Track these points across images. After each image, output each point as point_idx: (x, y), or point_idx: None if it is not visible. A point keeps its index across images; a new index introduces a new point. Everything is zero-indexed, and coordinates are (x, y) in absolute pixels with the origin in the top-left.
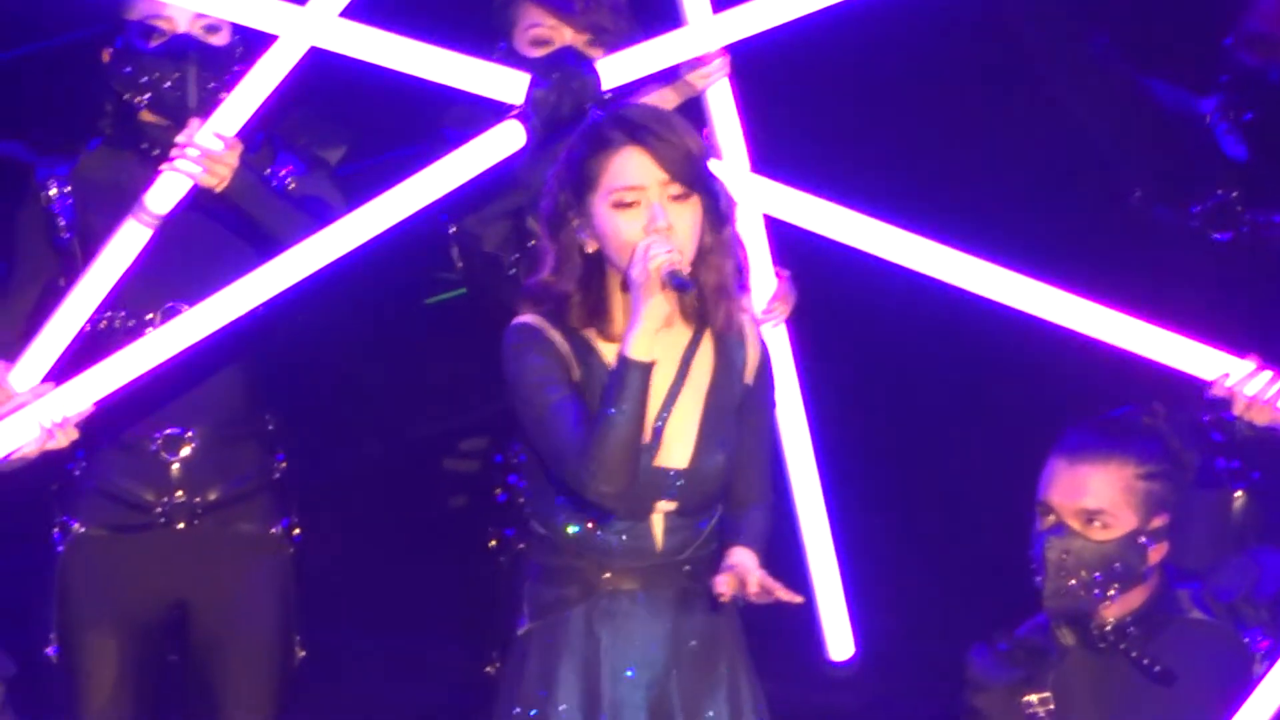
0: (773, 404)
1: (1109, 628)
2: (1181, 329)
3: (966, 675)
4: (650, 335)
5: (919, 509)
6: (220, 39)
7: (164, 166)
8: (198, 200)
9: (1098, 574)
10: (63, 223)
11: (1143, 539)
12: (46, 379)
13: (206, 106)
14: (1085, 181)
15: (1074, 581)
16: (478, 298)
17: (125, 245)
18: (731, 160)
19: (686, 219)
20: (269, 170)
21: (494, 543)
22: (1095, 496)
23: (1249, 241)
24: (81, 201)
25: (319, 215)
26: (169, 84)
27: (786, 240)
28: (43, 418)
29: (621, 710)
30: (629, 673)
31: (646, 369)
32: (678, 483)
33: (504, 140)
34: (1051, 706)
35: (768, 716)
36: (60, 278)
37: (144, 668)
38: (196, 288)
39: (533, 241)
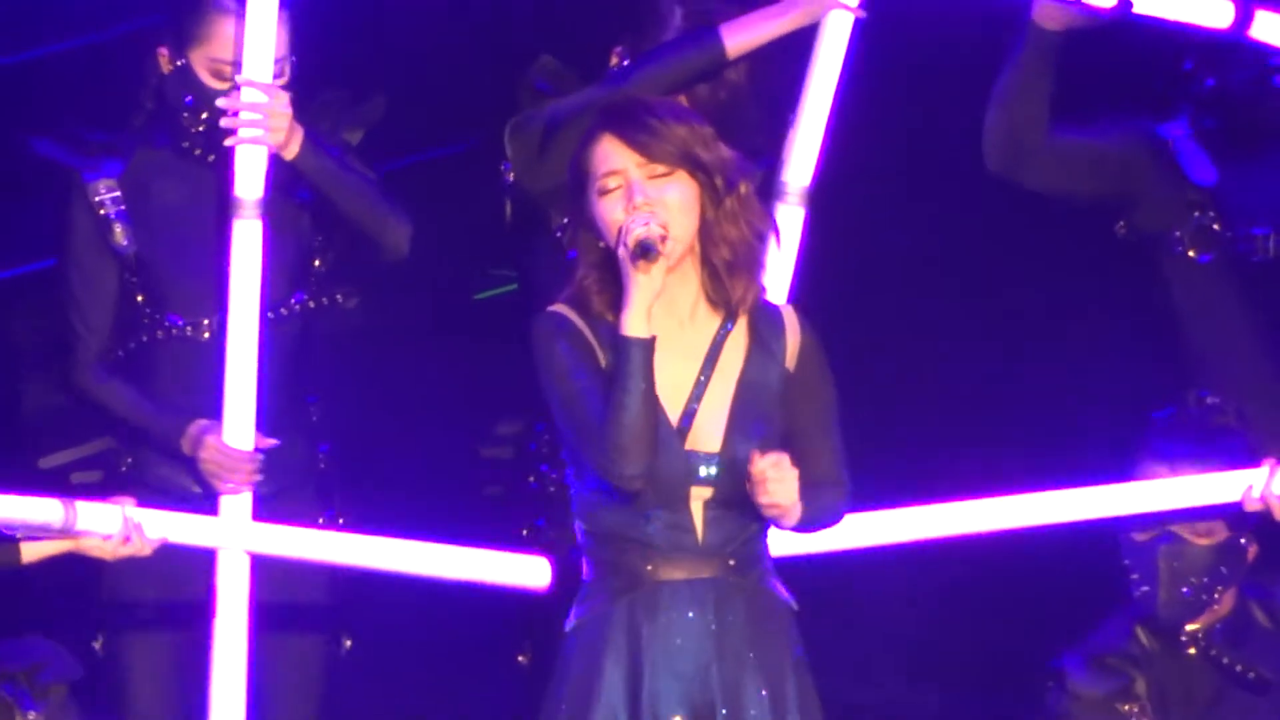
0: (830, 390)
1: (1200, 634)
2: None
3: (1065, 684)
4: (643, 311)
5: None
6: (281, 81)
7: (228, 142)
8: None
9: (1206, 579)
10: (120, 228)
11: (1242, 540)
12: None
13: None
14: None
15: (1186, 589)
16: (517, 257)
17: (247, 246)
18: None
19: (672, 194)
20: None
21: (526, 531)
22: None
23: (1231, 259)
24: (134, 205)
25: (389, 193)
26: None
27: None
28: (130, 525)
29: (663, 704)
30: (669, 665)
31: (647, 345)
32: (710, 467)
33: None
34: (1148, 718)
35: (818, 713)
36: (125, 284)
37: (189, 663)
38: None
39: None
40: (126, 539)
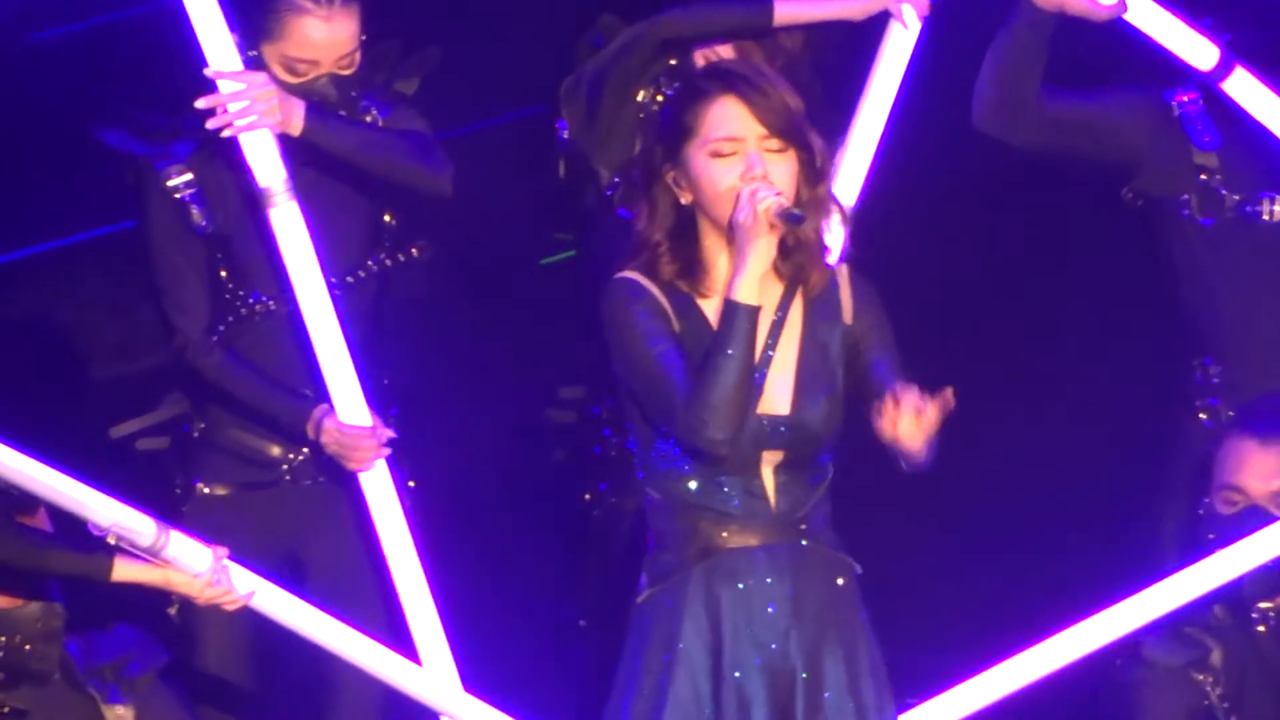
0: (886, 325)
1: (1272, 612)
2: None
3: (1140, 653)
4: (756, 278)
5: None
6: (351, 70)
7: (225, 133)
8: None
9: None
10: (196, 210)
11: None
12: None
13: None
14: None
15: (1270, 564)
16: (572, 217)
17: (291, 230)
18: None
19: (783, 172)
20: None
21: (589, 495)
22: None
23: (1235, 224)
24: (208, 186)
25: (422, 143)
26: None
27: None
28: (221, 569)
29: (743, 670)
30: (749, 632)
31: (754, 312)
32: (781, 430)
33: None
34: (1221, 690)
35: (885, 679)
36: (212, 262)
37: (261, 619)
38: (320, 253)
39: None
40: (215, 581)
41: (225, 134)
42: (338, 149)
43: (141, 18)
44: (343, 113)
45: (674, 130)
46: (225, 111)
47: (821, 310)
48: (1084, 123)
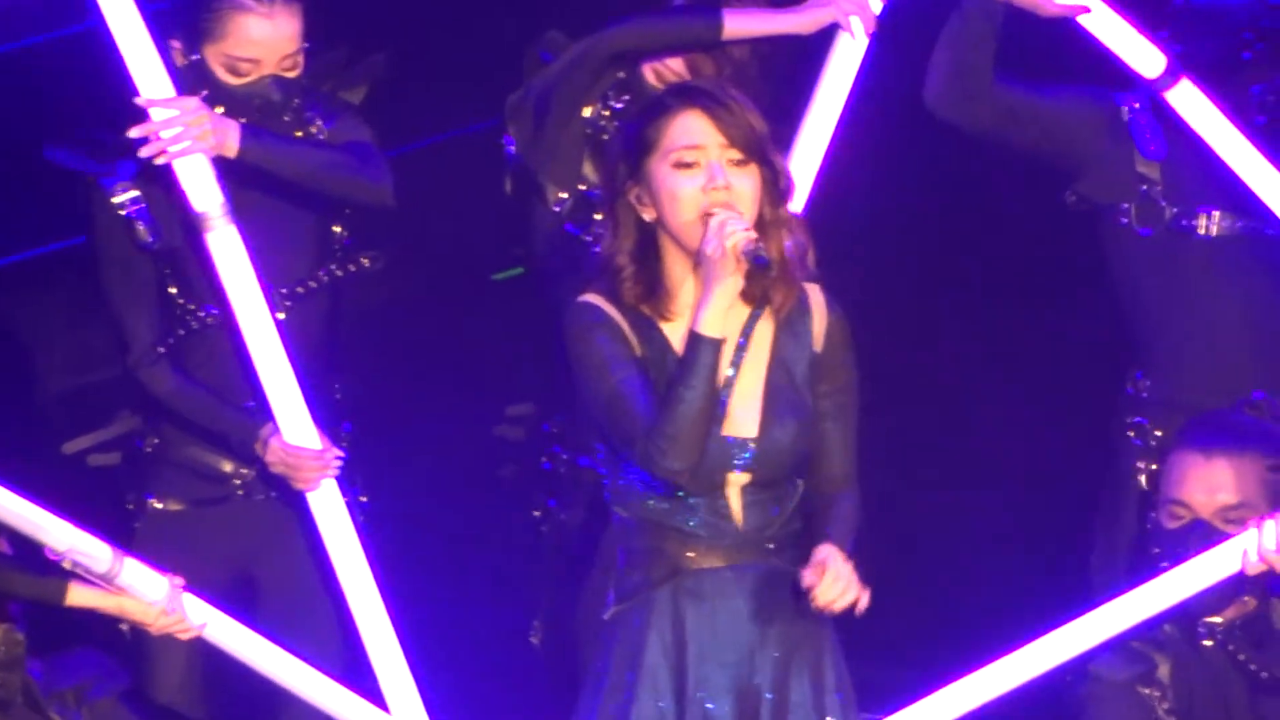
0: (853, 377)
1: (1219, 627)
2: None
3: (1090, 668)
4: (722, 312)
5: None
6: (295, 73)
7: (159, 160)
8: (224, 182)
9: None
10: (143, 227)
11: None
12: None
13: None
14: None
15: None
16: (519, 232)
17: (229, 254)
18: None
19: (745, 185)
20: (300, 131)
21: (537, 512)
22: (1234, 491)
23: (1173, 237)
24: (154, 202)
25: (362, 155)
26: (244, 120)
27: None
28: (176, 598)
29: (708, 691)
30: (715, 653)
31: (717, 345)
32: (748, 453)
33: None
34: (1168, 704)
35: (851, 696)
36: (160, 278)
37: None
38: (267, 266)
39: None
40: (170, 610)
41: (159, 161)
42: (275, 166)
43: (84, 34)
44: (287, 118)
45: (636, 145)
46: (158, 139)
47: (791, 333)
48: (1034, 113)
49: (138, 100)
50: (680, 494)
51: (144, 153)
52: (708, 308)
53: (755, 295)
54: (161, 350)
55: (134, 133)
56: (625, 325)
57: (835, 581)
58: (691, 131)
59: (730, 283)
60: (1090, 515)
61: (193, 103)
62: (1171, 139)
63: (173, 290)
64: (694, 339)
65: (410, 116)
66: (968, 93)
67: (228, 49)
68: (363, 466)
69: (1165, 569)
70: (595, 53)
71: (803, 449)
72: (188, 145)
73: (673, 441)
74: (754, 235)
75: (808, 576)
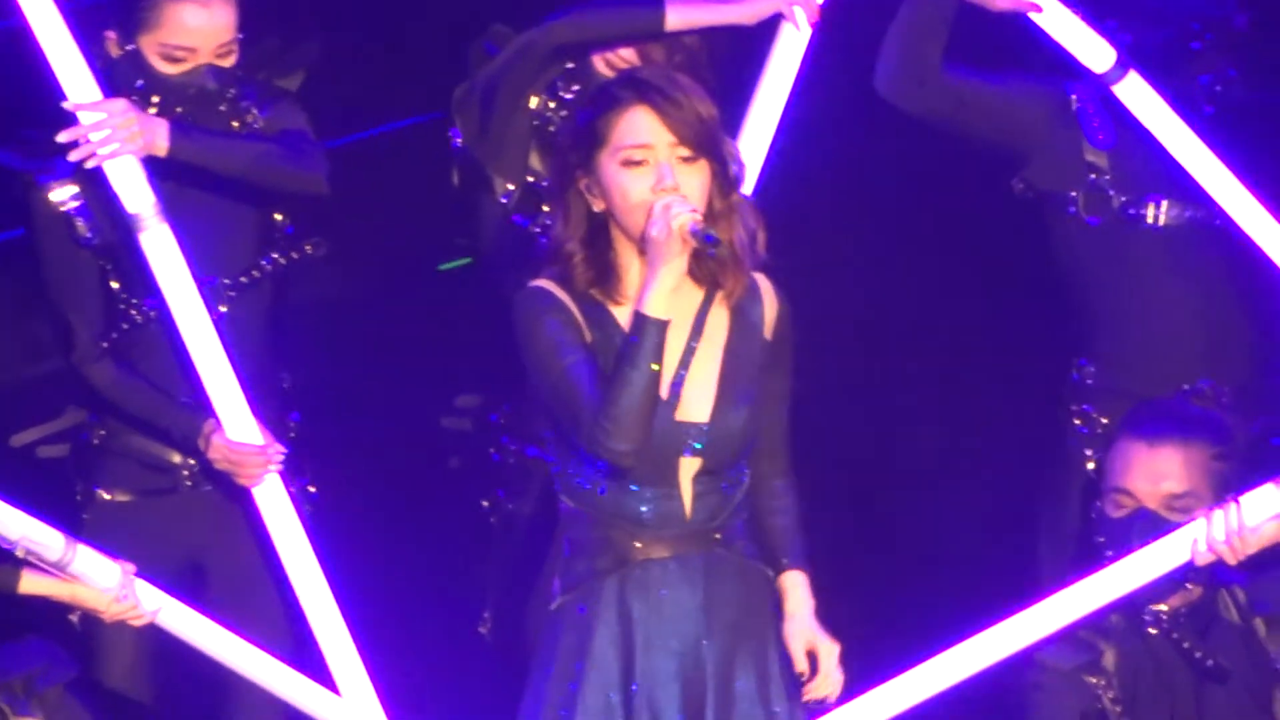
0: (791, 369)
1: (1164, 615)
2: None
3: (1035, 656)
4: (666, 293)
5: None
6: (230, 61)
7: (89, 164)
8: (160, 178)
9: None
10: (82, 222)
11: None
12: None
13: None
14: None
15: None
16: (467, 223)
17: (163, 254)
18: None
19: (694, 182)
20: (236, 120)
21: (486, 503)
22: (1180, 480)
23: (1120, 225)
24: (93, 197)
25: (295, 144)
26: (180, 110)
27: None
28: (129, 584)
29: (655, 679)
30: (661, 642)
31: (663, 326)
32: (700, 438)
33: None
34: (1114, 693)
35: (797, 688)
36: (103, 275)
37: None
38: (208, 258)
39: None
40: (122, 597)
41: (90, 164)
42: (206, 162)
43: (13, 31)
44: (223, 106)
45: (586, 137)
46: (88, 141)
47: (743, 319)
48: (983, 99)
49: (65, 104)
50: (634, 487)
51: (73, 156)
52: (652, 289)
53: (704, 278)
54: (105, 345)
55: (62, 137)
56: (576, 310)
57: (825, 680)
58: (639, 130)
59: (675, 264)
60: (1038, 504)
61: (120, 104)
62: (1120, 128)
63: (114, 285)
64: (639, 320)
65: (357, 107)
66: (917, 79)
67: (163, 38)
68: (311, 457)
69: (1110, 558)
70: (539, 45)
71: (752, 434)
72: (117, 147)
73: (617, 423)
74: (699, 215)
75: (798, 661)
